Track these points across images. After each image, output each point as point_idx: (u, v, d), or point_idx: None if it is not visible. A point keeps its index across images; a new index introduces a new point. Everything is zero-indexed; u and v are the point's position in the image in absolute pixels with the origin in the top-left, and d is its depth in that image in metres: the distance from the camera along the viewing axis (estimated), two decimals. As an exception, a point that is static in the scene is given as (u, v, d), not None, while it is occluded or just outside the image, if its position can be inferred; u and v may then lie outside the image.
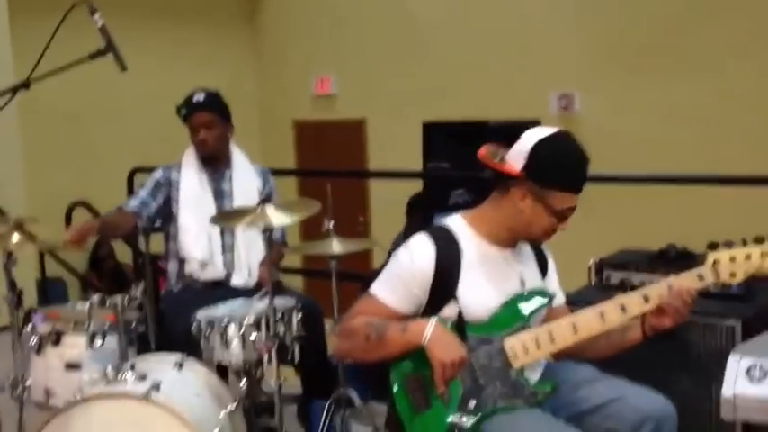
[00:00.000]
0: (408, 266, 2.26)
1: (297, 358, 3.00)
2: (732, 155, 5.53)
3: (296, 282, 5.26)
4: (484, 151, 2.26)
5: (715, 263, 2.20)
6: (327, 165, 7.86)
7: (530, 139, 2.22)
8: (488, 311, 2.26)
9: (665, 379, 2.63)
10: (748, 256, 2.18)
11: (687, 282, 2.23)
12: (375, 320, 2.24)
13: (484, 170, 2.31)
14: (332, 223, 3.23)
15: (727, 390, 1.68)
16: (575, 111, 6.97)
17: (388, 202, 7.26)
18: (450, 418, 2.19)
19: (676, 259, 2.85)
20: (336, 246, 3.19)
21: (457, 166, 4.21)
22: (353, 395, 3.31)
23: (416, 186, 4.56)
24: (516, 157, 2.21)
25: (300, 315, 3.02)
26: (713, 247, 2.24)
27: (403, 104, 7.35)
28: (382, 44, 7.83)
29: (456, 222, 2.34)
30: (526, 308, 2.29)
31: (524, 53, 7.03)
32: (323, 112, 8.51)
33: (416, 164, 4.80)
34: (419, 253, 2.26)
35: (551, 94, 6.99)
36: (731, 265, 2.19)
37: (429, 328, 2.18)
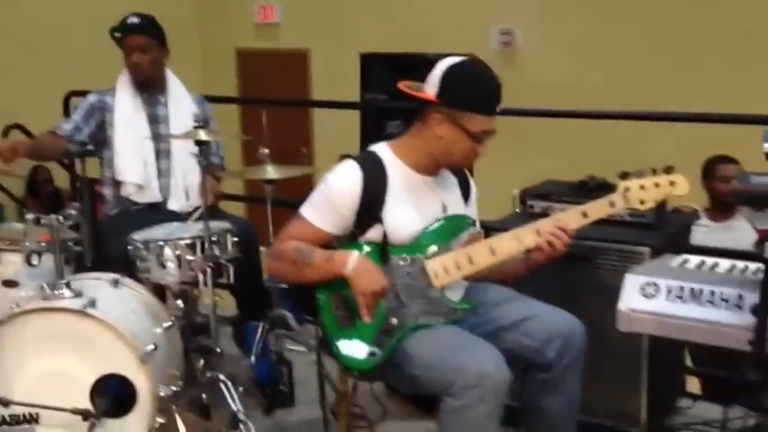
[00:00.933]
0: (337, 189, 2.36)
1: (231, 280, 3.10)
2: (668, 92, 5.73)
3: (238, 209, 5.31)
4: (403, 84, 2.37)
5: (626, 190, 2.34)
6: (271, 95, 7.82)
7: (442, 66, 2.32)
8: (412, 234, 2.38)
9: (578, 301, 2.78)
10: (657, 185, 2.32)
11: (572, 221, 2.36)
12: (303, 247, 2.34)
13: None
14: (267, 150, 3.30)
15: (623, 304, 1.84)
16: (516, 46, 7.05)
17: (331, 132, 7.34)
18: (367, 349, 2.32)
19: (595, 189, 2.98)
20: (272, 171, 3.27)
21: (394, 97, 4.26)
22: (288, 316, 3.43)
23: (356, 117, 4.61)
24: (431, 84, 2.32)
25: (236, 238, 3.12)
26: (625, 176, 2.39)
27: (345, 35, 7.33)
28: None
29: (382, 149, 2.44)
30: (447, 231, 2.42)
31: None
32: (266, 41, 8.43)
33: (357, 95, 4.84)
34: (347, 177, 2.36)
35: (492, 28, 7.06)
36: (641, 192, 2.33)
37: (351, 260, 2.29)
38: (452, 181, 2.53)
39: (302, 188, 2.56)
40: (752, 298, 1.66)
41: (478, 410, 2.15)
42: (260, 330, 3.35)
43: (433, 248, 2.37)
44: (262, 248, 3.45)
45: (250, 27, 8.49)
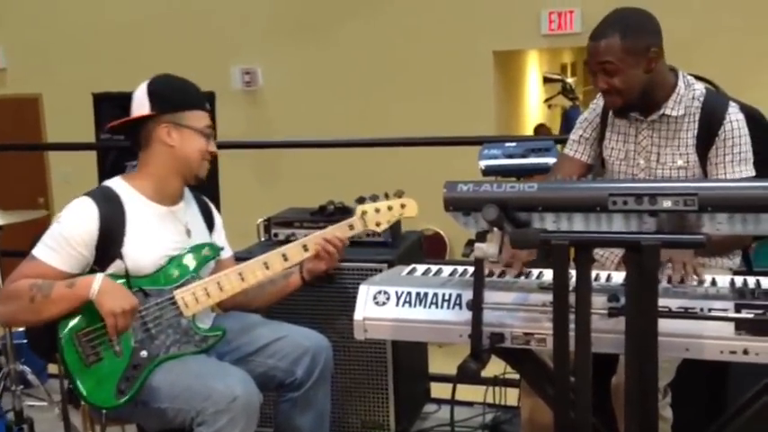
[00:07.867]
0: (71, 227, 2.28)
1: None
2: (395, 120, 6.13)
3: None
4: (112, 123, 2.45)
5: (363, 213, 2.50)
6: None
7: (141, 87, 2.40)
8: (156, 265, 2.35)
9: (327, 319, 2.94)
10: (390, 207, 2.52)
11: (339, 231, 2.50)
12: (40, 281, 2.24)
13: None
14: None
15: (358, 314, 1.92)
16: (258, 85, 7.20)
17: (68, 178, 7.01)
18: (116, 385, 2.25)
19: (334, 213, 3.11)
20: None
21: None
22: (27, 371, 3.22)
23: (92, 158, 4.46)
24: (139, 105, 2.38)
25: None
26: (361, 200, 2.55)
27: (77, 77, 7.06)
28: (54, 13, 7.48)
29: (117, 183, 2.40)
30: (194, 260, 2.41)
31: (205, 27, 7.10)
32: (-8, 88, 7.93)
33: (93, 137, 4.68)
34: (82, 214, 2.29)
35: (234, 68, 7.15)
36: (376, 215, 2.51)
37: (96, 282, 2.22)
38: (195, 210, 2.54)
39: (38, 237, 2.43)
40: (468, 296, 1.81)
41: (231, 435, 2.15)
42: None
43: (182, 277, 2.37)
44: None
45: (-29, 73, 7.94)
